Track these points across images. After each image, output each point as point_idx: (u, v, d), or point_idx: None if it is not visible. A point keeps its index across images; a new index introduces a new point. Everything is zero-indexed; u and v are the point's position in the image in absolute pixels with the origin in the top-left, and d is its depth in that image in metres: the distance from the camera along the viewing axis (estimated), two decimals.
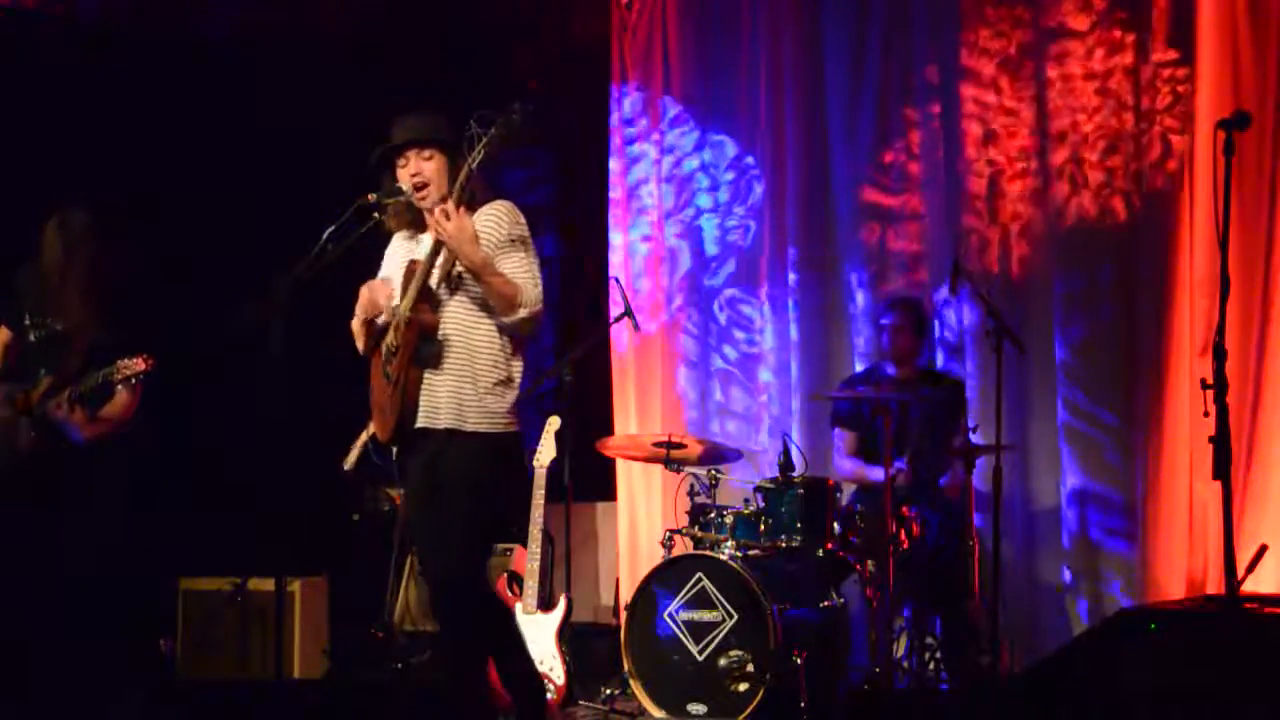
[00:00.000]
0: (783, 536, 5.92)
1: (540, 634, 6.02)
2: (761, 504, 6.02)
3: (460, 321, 4.53)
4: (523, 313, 4.49)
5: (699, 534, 6.07)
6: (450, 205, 4.41)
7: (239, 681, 6.55)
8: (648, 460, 6.51)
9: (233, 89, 7.45)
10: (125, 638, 5.57)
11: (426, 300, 4.50)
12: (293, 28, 7.48)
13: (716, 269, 7.32)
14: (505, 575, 6.24)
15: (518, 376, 4.62)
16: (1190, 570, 5.97)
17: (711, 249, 7.31)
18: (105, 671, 5.43)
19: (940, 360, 6.71)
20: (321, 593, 6.88)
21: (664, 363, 7.37)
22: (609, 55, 7.52)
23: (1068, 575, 6.33)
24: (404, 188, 4.62)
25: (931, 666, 5.99)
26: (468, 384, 4.50)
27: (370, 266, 4.79)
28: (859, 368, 6.80)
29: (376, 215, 4.61)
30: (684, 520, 6.20)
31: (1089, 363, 6.35)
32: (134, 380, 5.05)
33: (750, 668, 5.64)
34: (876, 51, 6.91)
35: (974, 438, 6.08)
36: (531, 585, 6.09)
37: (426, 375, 4.50)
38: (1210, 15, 6.04)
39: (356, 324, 4.66)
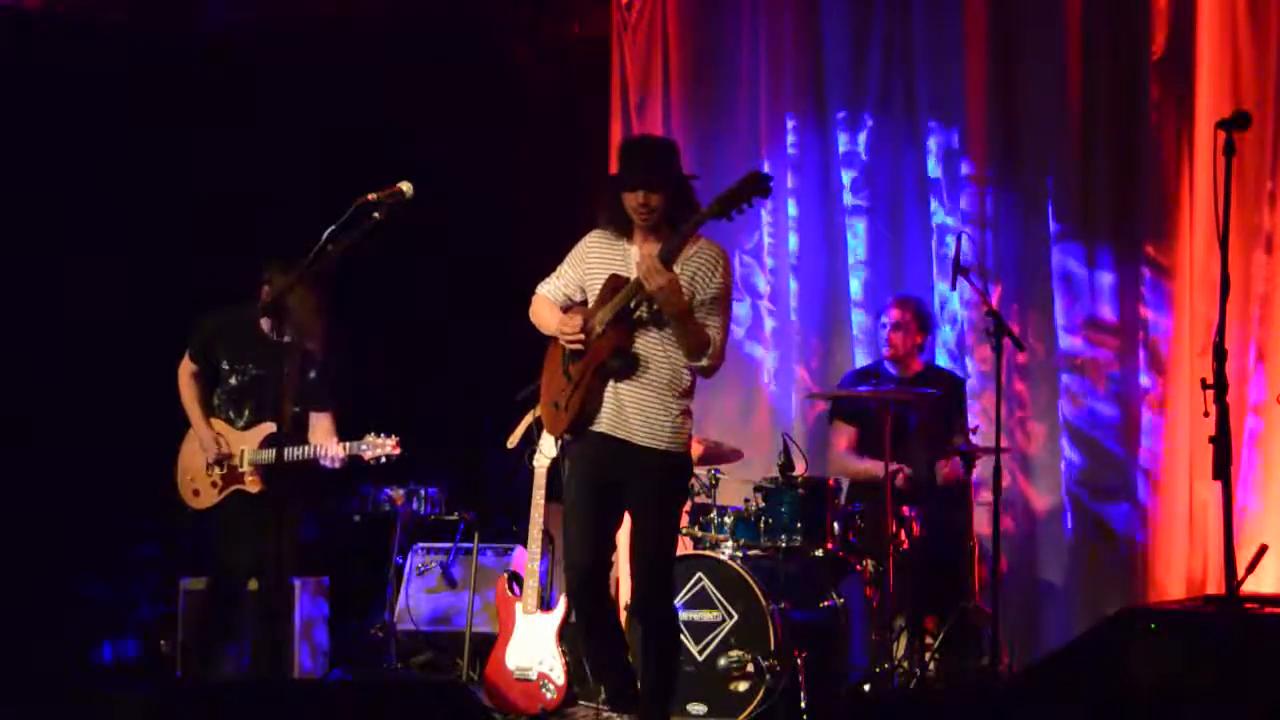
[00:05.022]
0: (783, 536, 5.91)
1: (540, 634, 6.02)
2: (761, 504, 6.02)
3: (659, 342, 4.79)
4: (705, 362, 4.80)
5: (699, 534, 6.07)
6: (659, 263, 4.65)
7: (239, 681, 6.54)
8: None
9: (232, 88, 7.46)
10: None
11: (624, 321, 4.76)
12: (291, 28, 7.47)
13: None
14: (505, 575, 6.24)
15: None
16: (1190, 570, 5.98)
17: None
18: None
19: (939, 357, 6.71)
20: (321, 593, 6.88)
21: None
22: (609, 55, 7.51)
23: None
24: (405, 189, 4.61)
25: (931, 667, 5.98)
26: (661, 406, 4.80)
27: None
28: (860, 362, 6.80)
29: (376, 215, 4.61)
30: (684, 520, 6.19)
31: (1088, 363, 6.35)
32: (383, 460, 5.66)
33: (750, 668, 5.64)
34: (878, 48, 6.91)
35: (974, 438, 6.08)
36: (532, 585, 6.08)
37: (613, 385, 4.78)
38: (1210, 15, 6.03)
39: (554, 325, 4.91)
